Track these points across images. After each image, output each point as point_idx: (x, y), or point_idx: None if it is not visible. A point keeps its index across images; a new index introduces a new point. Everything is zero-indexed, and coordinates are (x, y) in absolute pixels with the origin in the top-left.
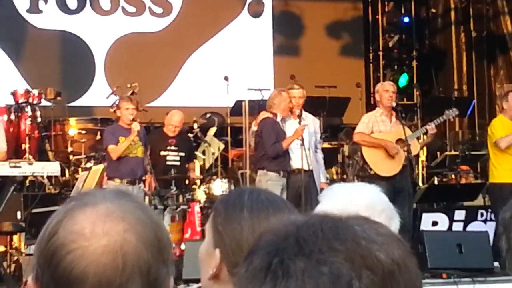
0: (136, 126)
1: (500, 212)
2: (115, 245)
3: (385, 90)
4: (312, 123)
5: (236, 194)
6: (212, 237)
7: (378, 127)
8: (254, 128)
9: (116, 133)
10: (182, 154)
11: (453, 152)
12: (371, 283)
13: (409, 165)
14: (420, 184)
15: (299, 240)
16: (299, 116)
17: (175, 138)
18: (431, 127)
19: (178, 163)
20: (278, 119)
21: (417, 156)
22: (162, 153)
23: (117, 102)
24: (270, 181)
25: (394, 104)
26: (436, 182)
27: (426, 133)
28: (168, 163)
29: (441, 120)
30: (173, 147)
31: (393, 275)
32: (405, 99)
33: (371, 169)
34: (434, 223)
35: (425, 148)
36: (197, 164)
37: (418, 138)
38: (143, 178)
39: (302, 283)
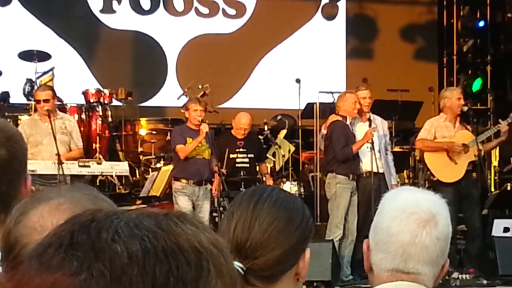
0: (205, 128)
1: None
2: None
3: (458, 98)
4: (381, 125)
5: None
6: None
7: (441, 132)
8: (324, 131)
9: (184, 133)
10: (251, 155)
11: None
12: (101, 275)
13: (479, 170)
14: (492, 189)
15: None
16: (369, 119)
17: (243, 140)
18: (503, 125)
19: (247, 165)
20: (348, 122)
21: (490, 161)
22: (231, 155)
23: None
24: (339, 184)
25: (465, 109)
26: (508, 188)
27: (497, 132)
28: (237, 165)
29: None
30: (241, 149)
31: (131, 268)
32: (478, 104)
33: (434, 176)
34: (506, 229)
35: (497, 154)
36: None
37: (484, 141)
38: (212, 179)
39: None
